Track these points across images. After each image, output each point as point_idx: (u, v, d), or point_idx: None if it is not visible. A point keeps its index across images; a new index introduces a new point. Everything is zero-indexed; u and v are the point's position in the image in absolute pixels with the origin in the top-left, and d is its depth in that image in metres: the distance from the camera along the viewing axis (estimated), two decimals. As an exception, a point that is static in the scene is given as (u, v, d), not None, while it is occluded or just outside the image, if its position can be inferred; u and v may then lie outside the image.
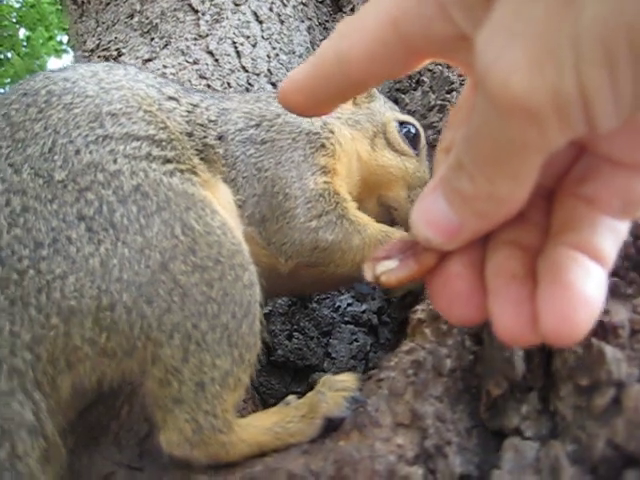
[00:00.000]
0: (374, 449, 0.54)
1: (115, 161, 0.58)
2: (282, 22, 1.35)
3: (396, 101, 1.20)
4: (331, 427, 0.61)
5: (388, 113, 0.93)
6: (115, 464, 0.59)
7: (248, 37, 1.28)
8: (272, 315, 1.03)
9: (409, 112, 1.11)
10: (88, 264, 0.54)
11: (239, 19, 1.31)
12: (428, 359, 0.60)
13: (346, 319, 1.05)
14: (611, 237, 0.36)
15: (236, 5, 1.34)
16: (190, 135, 0.69)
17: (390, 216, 0.91)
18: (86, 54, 1.37)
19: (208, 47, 1.24)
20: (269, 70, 1.21)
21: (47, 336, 0.54)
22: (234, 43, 1.26)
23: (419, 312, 0.68)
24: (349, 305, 1.07)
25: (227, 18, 1.30)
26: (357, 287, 0.72)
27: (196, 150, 0.68)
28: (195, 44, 1.25)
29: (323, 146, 0.80)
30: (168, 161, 0.60)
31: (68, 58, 7.23)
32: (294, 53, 1.28)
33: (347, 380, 0.62)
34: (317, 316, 1.03)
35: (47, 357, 0.54)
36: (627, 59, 0.23)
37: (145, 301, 0.55)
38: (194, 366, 0.57)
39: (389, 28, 0.36)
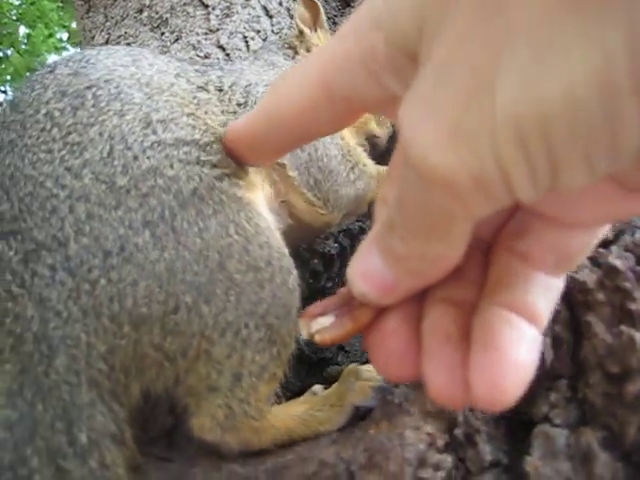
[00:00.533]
0: (404, 437, 0.55)
1: (172, 166, 0.58)
2: (292, 17, 1.35)
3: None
4: (359, 416, 0.62)
5: None
6: (145, 455, 0.60)
7: (258, 31, 1.28)
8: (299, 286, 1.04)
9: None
10: (155, 270, 0.54)
11: (249, 13, 1.31)
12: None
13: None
14: (545, 295, 0.35)
15: (246, 0, 1.34)
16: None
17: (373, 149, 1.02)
18: (95, 49, 1.37)
19: (219, 41, 1.24)
20: (279, 64, 1.21)
21: (120, 345, 0.54)
22: (245, 37, 1.26)
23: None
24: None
25: (237, 12, 1.30)
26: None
27: None
28: (206, 38, 1.25)
29: None
30: (214, 166, 0.61)
31: (68, 55, 7.21)
32: (303, 47, 1.28)
33: (374, 370, 0.62)
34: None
35: (120, 366, 0.55)
36: (539, 143, 0.23)
37: (204, 301, 0.56)
38: (235, 360, 0.58)
39: (320, 90, 0.37)
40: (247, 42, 1.26)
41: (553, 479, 0.49)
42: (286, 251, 0.63)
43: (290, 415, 0.64)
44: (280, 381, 0.64)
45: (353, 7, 1.52)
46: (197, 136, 0.62)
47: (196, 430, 0.61)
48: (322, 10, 0.93)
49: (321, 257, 1.01)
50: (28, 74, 6.88)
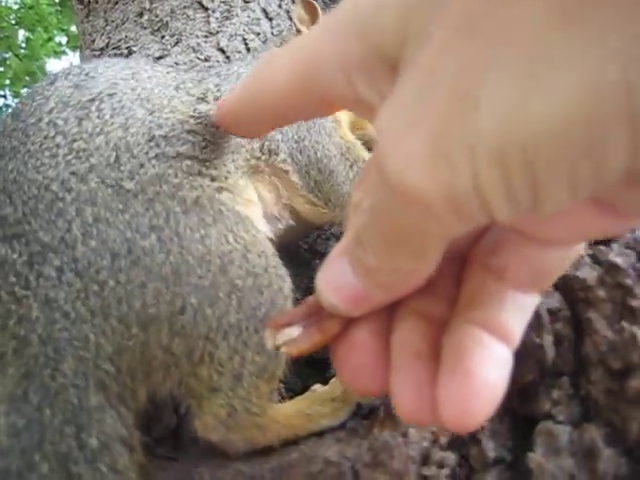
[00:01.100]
0: (408, 435, 0.55)
1: (176, 175, 0.59)
2: (291, 19, 1.35)
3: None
4: (362, 414, 0.62)
5: None
6: (150, 455, 0.60)
7: (258, 34, 1.29)
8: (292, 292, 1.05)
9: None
10: (162, 272, 0.55)
11: (249, 16, 1.32)
12: (456, 347, 0.61)
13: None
14: (519, 314, 0.35)
15: (245, 2, 1.34)
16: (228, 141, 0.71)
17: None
18: (96, 53, 1.38)
19: (219, 44, 1.24)
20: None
21: (128, 346, 0.55)
22: (244, 40, 1.26)
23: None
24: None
25: (237, 15, 1.31)
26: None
27: (233, 164, 0.69)
28: (206, 41, 1.25)
29: None
30: (213, 179, 0.63)
31: (67, 59, 7.24)
32: (303, 49, 1.28)
33: None
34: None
35: (127, 369, 0.55)
36: (521, 167, 0.22)
37: (208, 303, 0.57)
38: (236, 362, 0.59)
39: (296, 81, 0.36)
40: (247, 44, 1.26)
41: (557, 476, 0.50)
42: (280, 261, 0.65)
43: (293, 410, 0.65)
44: (280, 380, 0.64)
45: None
46: (197, 152, 0.63)
47: (200, 430, 0.61)
48: (320, 12, 0.94)
49: (322, 257, 1.01)
50: (27, 78, 6.91)
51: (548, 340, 0.56)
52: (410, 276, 0.32)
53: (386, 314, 0.37)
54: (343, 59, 0.32)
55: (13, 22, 6.77)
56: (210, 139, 0.65)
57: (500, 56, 0.22)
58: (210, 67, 0.90)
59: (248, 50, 1.25)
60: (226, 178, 0.64)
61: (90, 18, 1.63)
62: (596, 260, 0.56)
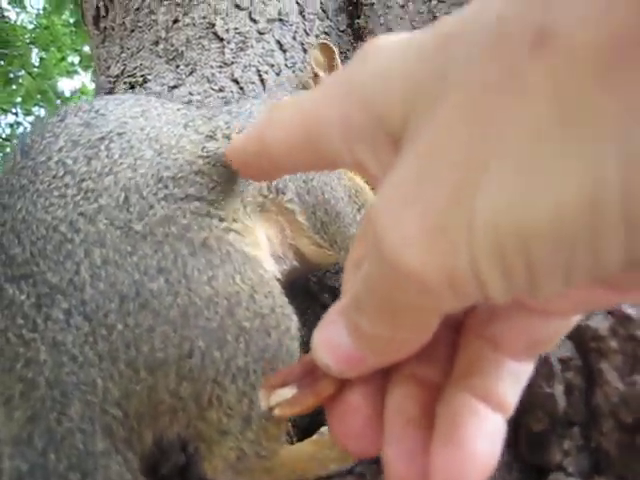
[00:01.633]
0: None
1: (185, 216, 0.59)
2: (305, 51, 1.37)
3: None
4: (370, 459, 0.62)
5: None
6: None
7: (272, 65, 1.30)
8: (299, 331, 1.05)
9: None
10: (170, 315, 0.55)
11: (263, 47, 1.33)
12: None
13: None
14: (514, 382, 0.34)
15: (260, 34, 1.36)
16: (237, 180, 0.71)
17: None
18: (111, 79, 1.39)
19: (233, 75, 1.26)
20: (292, 98, 1.22)
21: (135, 391, 0.54)
22: (258, 71, 1.27)
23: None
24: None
25: (252, 46, 1.32)
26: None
27: (241, 203, 0.69)
28: (220, 72, 1.26)
29: None
30: (222, 220, 0.63)
31: (79, 79, 7.31)
32: (316, 81, 1.29)
33: None
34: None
35: (134, 413, 0.55)
36: (517, 257, 0.23)
37: (216, 346, 0.56)
38: (245, 405, 0.58)
39: (302, 136, 0.36)
40: (261, 76, 1.27)
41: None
42: (287, 300, 0.64)
43: (301, 454, 0.64)
44: (289, 421, 0.64)
45: (365, 41, 1.54)
46: (205, 193, 0.63)
47: (209, 473, 0.60)
48: (337, 54, 0.95)
49: (331, 291, 1.01)
50: (39, 96, 6.99)
51: (559, 389, 0.56)
52: (405, 345, 0.32)
53: (381, 376, 0.36)
54: (345, 128, 0.33)
55: (28, 41, 6.86)
56: (218, 179, 0.65)
57: (500, 148, 0.23)
58: (223, 103, 0.90)
59: (262, 81, 1.26)
60: (234, 219, 0.64)
61: (106, 44, 1.65)
62: (609, 310, 0.56)
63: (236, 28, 1.36)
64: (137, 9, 1.55)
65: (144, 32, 1.46)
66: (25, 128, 7.26)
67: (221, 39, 1.34)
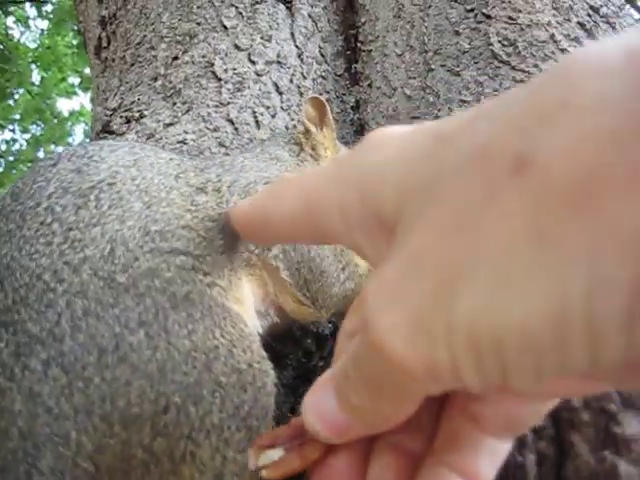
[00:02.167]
0: None
1: (169, 269, 0.60)
2: (301, 94, 1.39)
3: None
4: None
5: None
6: None
7: (268, 107, 1.32)
8: (275, 386, 1.03)
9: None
10: (147, 369, 0.54)
11: (260, 89, 1.35)
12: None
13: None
14: (492, 460, 0.36)
15: (258, 75, 1.38)
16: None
17: None
18: (107, 112, 1.40)
19: (229, 115, 1.27)
20: (286, 141, 1.24)
21: (109, 444, 0.53)
22: (254, 113, 1.29)
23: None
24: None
25: (248, 87, 1.34)
26: None
27: (227, 258, 0.69)
28: (216, 111, 1.28)
29: None
30: (206, 274, 0.63)
31: (78, 100, 7.34)
32: (311, 124, 1.31)
33: None
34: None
35: (106, 467, 0.54)
36: (491, 356, 0.25)
37: (192, 402, 0.56)
38: (218, 461, 0.58)
39: (304, 213, 0.38)
40: (256, 117, 1.29)
41: None
42: (265, 354, 0.64)
43: None
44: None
45: (361, 86, 1.56)
46: (191, 248, 0.63)
47: None
48: (329, 109, 0.96)
49: (314, 337, 1.01)
50: (37, 115, 7.02)
51: (531, 459, 0.56)
52: (390, 417, 0.34)
53: (366, 444, 0.38)
54: (343, 213, 0.35)
55: (30, 60, 6.91)
56: (204, 235, 0.66)
57: (478, 259, 0.25)
58: (214, 157, 0.91)
59: (257, 123, 1.28)
60: (219, 275, 0.65)
61: (106, 75, 1.67)
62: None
63: (234, 68, 1.38)
64: (138, 43, 1.57)
65: (143, 67, 1.48)
66: (21, 145, 7.29)
67: (219, 79, 1.36)
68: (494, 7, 1.31)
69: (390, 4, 1.53)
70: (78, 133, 7.60)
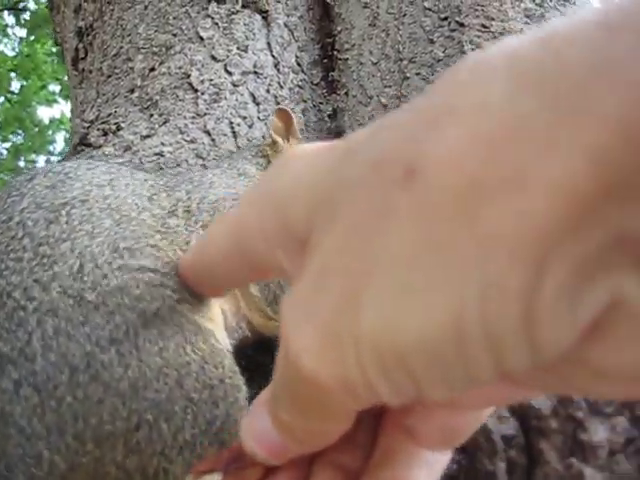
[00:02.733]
0: None
1: (138, 286, 0.59)
2: (278, 104, 1.39)
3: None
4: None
5: None
6: None
7: (245, 118, 1.32)
8: (256, 397, 1.03)
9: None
10: (119, 387, 0.54)
11: (237, 100, 1.35)
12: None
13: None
14: (428, 473, 0.36)
15: (234, 86, 1.38)
16: None
17: None
18: (85, 124, 1.40)
19: (205, 126, 1.27)
20: (264, 151, 1.24)
21: (82, 463, 0.53)
22: (231, 123, 1.29)
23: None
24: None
25: (225, 98, 1.34)
26: None
27: None
28: (193, 122, 1.28)
29: None
30: (175, 291, 0.62)
31: (58, 107, 7.31)
32: (288, 134, 1.32)
33: None
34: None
35: None
36: (397, 367, 0.25)
37: (164, 419, 0.56)
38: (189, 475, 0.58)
39: (233, 246, 0.39)
40: (233, 128, 1.29)
41: None
42: (237, 369, 0.64)
43: None
44: None
45: (338, 95, 1.57)
46: (159, 266, 0.63)
47: None
48: (295, 120, 0.97)
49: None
50: (17, 124, 6.97)
51: (501, 467, 0.57)
52: (324, 435, 0.34)
53: (306, 463, 0.38)
54: (263, 234, 0.35)
55: (8, 68, 6.86)
56: (173, 257, 0.66)
57: (377, 270, 0.25)
58: (184, 173, 0.92)
59: (234, 134, 1.29)
60: (188, 292, 0.65)
61: (83, 86, 1.67)
62: (550, 391, 0.58)
63: (211, 79, 1.39)
64: (115, 55, 1.57)
65: (120, 79, 1.48)
66: (1, 154, 7.23)
67: (195, 90, 1.36)
68: (467, 15, 1.33)
69: (365, 13, 1.55)
70: (59, 141, 7.53)
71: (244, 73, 1.42)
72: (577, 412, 0.56)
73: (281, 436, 0.34)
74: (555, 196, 0.21)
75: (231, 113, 1.33)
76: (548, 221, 0.21)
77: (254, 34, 1.53)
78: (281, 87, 1.47)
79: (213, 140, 1.26)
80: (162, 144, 1.23)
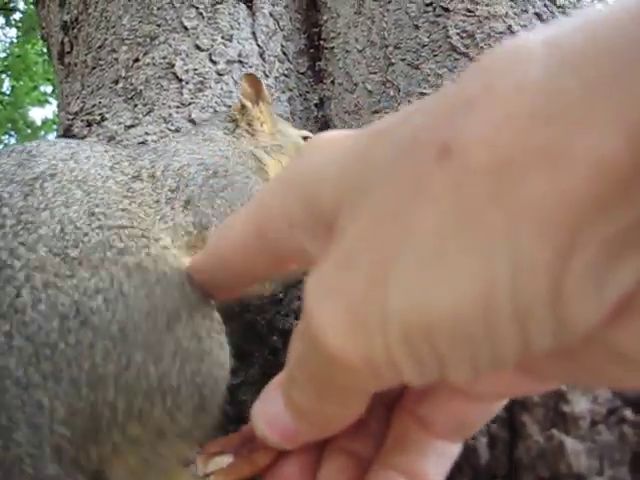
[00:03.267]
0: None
1: (121, 239, 0.61)
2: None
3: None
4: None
5: (292, 131, 1.05)
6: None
7: (230, 106, 1.31)
8: (243, 385, 1.03)
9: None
10: (109, 331, 0.55)
11: (222, 88, 1.34)
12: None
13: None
14: (440, 462, 0.36)
15: (219, 75, 1.37)
16: (163, 218, 0.73)
17: None
18: (69, 116, 1.39)
19: (190, 115, 1.27)
20: (249, 139, 1.23)
21: (79, 408, 0.53)
22: (216, 112, 1.29)
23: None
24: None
25: (210, 87, 1.33)
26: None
27: (170, 240, 0.70)
28: (177, 112, 1.27)
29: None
30: (157, 240, 0.64)
31: (51, 108, 7.30)
32: (275, 123, 1.31)
33: None
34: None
35: (80, 430, 0.54)
36: (424, 345, 0.25)
37: (152, 361, 0.56)
38: (165, 421, 0.57)
39: (255, 237, 0.39)
40: (218, 116, 1.29)
41: None
42: (224, 327, 0.64)
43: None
44: (199, 445, 0.63)
45: (325, 84, 1.57)
46: (135, 224, 0.65)
47: None
48: (264, 85, 0.98)
49: (280, 334, 1.01)
50: (9, 125, 6.95)
51: (482, 442, 0.56)
52: (336, 419, 0.34)
53: (317, 448, 0.38)
54: (289, 218, 0.35)
55: (0, 70, 6.85)
56: (145, 217, 0.67)
57: (408, 245, 0.25)
58: (147, 144, 0.91)
59: (219, 122, 1.28)
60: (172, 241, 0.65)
61: (69, 80, 1.66)
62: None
63: (195, 69, 1.38)
64: (99, 47, 1.56)
65: (105, 70, 1.47)
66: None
67: (180, 79, 1.35)
68: (452, 0, 1.32)
69: (351, 1, 1.54)
70: (52, 142, 7.51)
71: (229, 62, 1.41)
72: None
73: (294, 420, 0.35)
74: (591, 173, 0.21)
75: (216, 102, 1.32)
76: (582, 197, 0.21)
77: (239, 23, 1.52)
78: (267, 76, 1.46)
79: (198, 129, 1.25)
80: (146, 133, 1.22)
